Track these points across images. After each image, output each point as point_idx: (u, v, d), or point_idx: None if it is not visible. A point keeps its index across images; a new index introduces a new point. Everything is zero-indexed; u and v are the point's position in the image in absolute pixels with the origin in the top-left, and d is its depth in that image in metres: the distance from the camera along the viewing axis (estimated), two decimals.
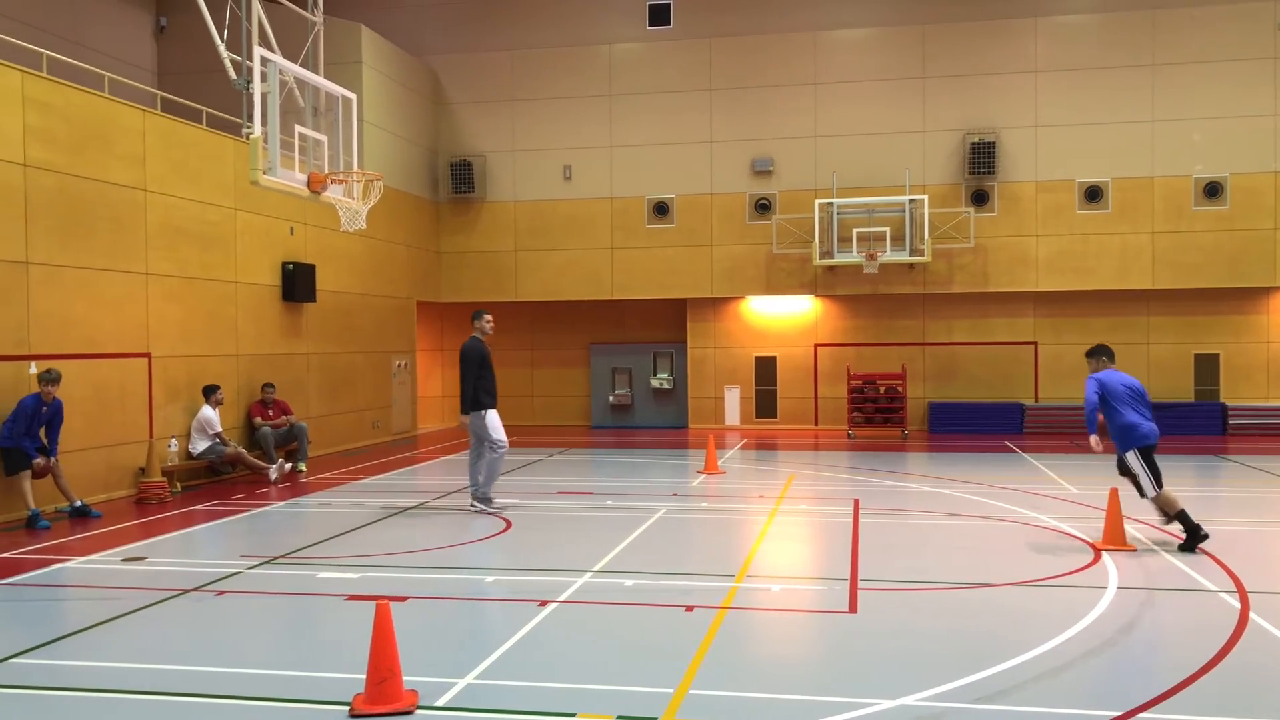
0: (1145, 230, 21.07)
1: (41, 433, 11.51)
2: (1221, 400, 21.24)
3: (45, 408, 11.44)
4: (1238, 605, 7.37)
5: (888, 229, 21.19)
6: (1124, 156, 21.08)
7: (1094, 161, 21.19)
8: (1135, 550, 9.28)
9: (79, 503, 11.73)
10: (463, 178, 23.05)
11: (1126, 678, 5.87)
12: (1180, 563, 8.79)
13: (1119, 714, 5.24)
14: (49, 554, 9.72)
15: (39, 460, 11.39)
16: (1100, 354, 10.04)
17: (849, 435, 21.13)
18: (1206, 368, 21.51)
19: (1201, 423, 20.71)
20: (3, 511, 11.46)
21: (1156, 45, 20.88)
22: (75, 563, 9.34)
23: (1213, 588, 7.93)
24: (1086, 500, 12.16)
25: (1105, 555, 9.11)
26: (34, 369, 11.93)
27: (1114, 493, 9.73)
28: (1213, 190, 20.78)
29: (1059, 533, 10.26)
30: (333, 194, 12.51)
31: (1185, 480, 14.70)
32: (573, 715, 5.33)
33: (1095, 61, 21.10)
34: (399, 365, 21.53)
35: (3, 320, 11.60)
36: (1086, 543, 9.66)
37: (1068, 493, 12.94)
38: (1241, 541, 9.80)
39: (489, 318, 11.86)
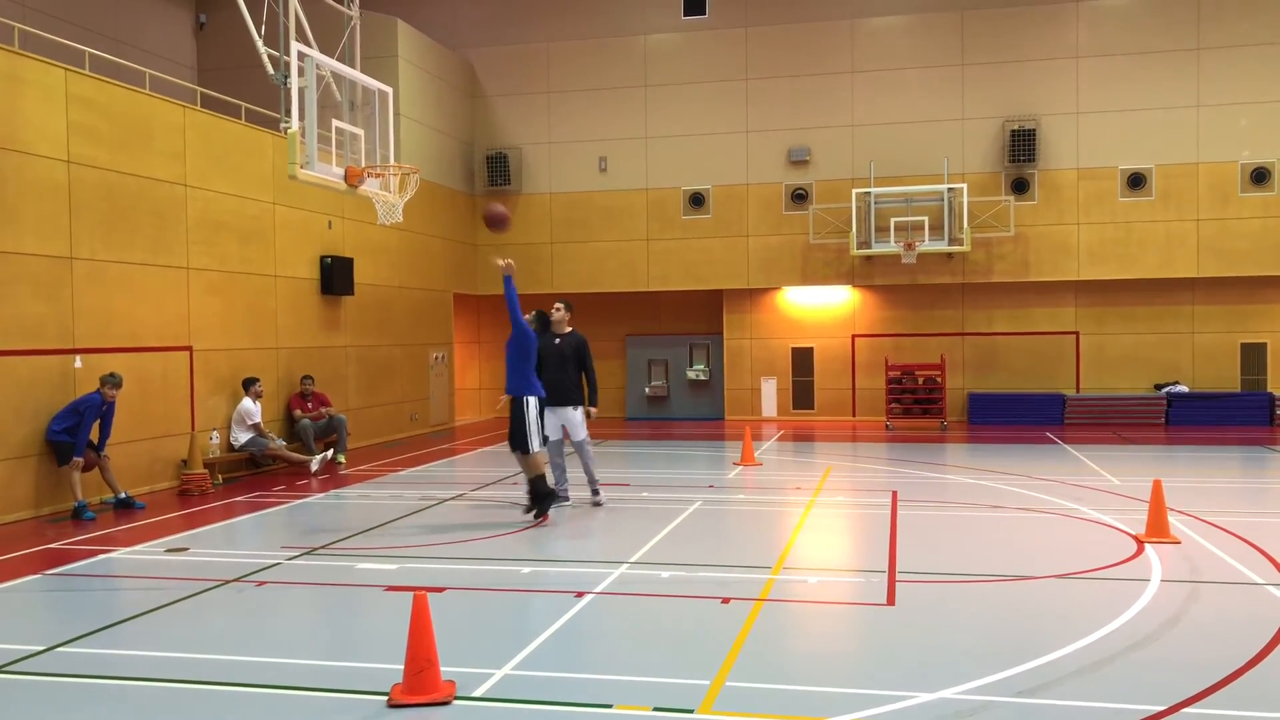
0: (1190, 217, 20.71)
1: (94, 428, 11.72)
2: (1269, 390, 20.84)
3: (104, 406, 11.66)
4: None
5: (926, 218, 20.99)
6: (1168, 143, 20.71)
7: (1137, 148, 20.85)
8: (1179, 542, 9.14)
9: (123, 494, 11.91)
10: (499, 170, 23.11)
11: (1170, 672, 5.78)
12: (1226, 555, 8.64)
13: (1162, 709, 5.17)
14: (95, 544, 9.88)
15: (89, 454, 11.59)
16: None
17: (887, 426, 20.98)
18: (1253, 357, 21.12)
19: (1248, 413, 20.34)
20: (50, 503, 11.68)
21: (1201, 29, 20.49)
22: (120, 553, 9.49)
23: (1259, 580, 7.79)
24: (1129, 492, 12.00)
25: (1148, 547, 8.98)
26: (79, 363, 12.13)
27: (1157, 484, 9.59)
28: (1260, 176, 20.38)
29: (1101, 525, 10.12)
30: (370, 188, 12.59)
31: (1231, 470, 14.47)
32: (609, 706, 5.34)
33: (1138, 46, 20.75)
34: (436, 358, 21.66)
35: (48, 314, 11.80)
36: (1129, 535, 9.52)
37: (1110, 484, 12.77)
38: None
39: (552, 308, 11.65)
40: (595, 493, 11.66)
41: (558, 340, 11.46)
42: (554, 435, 11.38)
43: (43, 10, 17.13)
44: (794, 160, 22.15)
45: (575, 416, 11.43)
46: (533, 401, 10.45)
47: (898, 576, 8.07)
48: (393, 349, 19.72)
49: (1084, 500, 11.55)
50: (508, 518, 10.95)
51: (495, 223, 10.86)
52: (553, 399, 11.17)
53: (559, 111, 23.14)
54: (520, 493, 11.81)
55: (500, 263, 10.58)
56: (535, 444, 10.37)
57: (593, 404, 11.66)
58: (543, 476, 10.55)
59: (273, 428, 15.36)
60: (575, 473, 12.24)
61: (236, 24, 12.16)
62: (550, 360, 11.26)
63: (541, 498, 10.48)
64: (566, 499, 11.65)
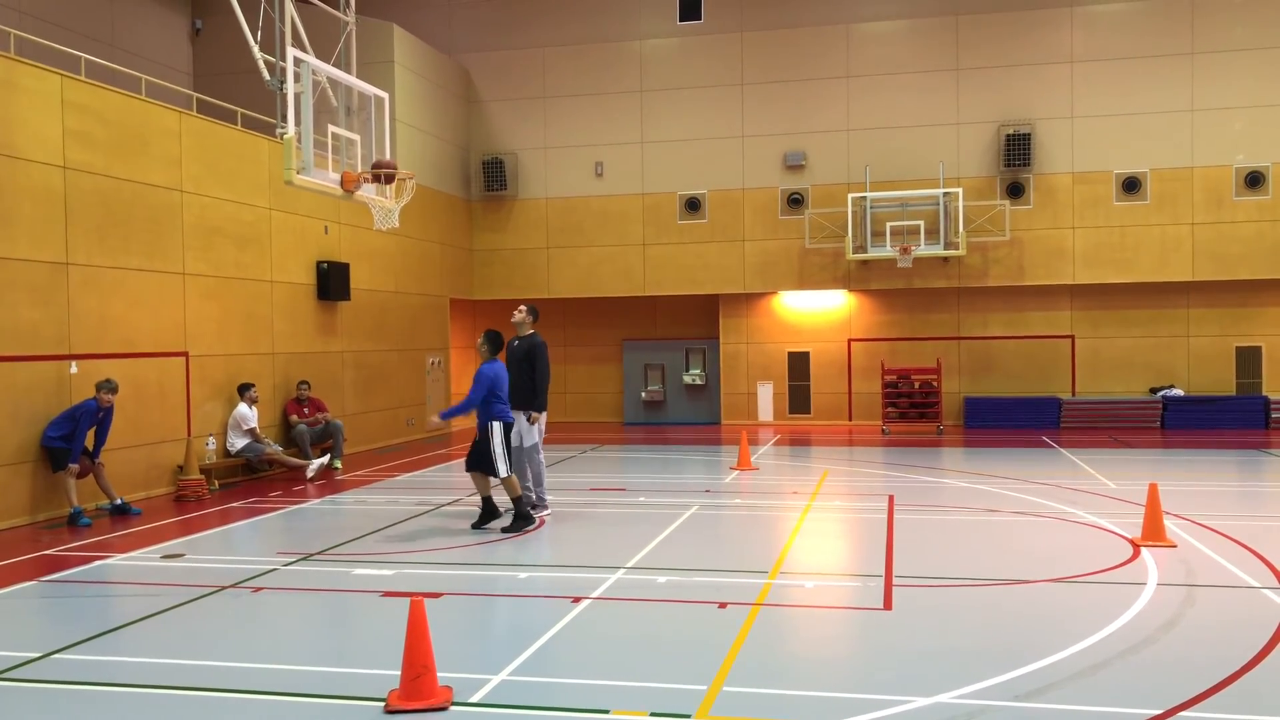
0: (1185, 221, 20.76)
1: (90, 434, 11.70)
2: (1264, 394, 20.88)
3: (101, 413, 11.64)
4: None
5: (921, 222, 21.03)
6: (1162, 147, 20.77)
7: (1132, 152, 20.90)
8: (1175, 546, 9.15)
9: (119, 500, 11.89)
10: (495, 175, 23.12)
11: (1166, 676, 5.79)
12: (1221, 559, 8.66)
13: (1159, 713, 5.17)
14: (91, 551, 9.86)
15: (85, 460, 11.56)
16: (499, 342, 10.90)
17: (883, 430, 20.99)
18: (1249, 360, 21.17)
19: (1243, 416, 20.37)
20: (46, 509, 11.65)
21: (1195, 33, 20.55)
22: (116, 559, 9.47)
23: (1255, 584, 7.80)
24: (1125, 495, 12.01)
25: (1145, 551, 8.99)
26: (74, 369, 12.11)
27: (1153, 488, 9.61)
28: (1254, 180, 20.44)
29: (1097, 528, 10.14)
30: (366, 193, 12.59)
31: (1227, 474, 14.49)
32: (606, 712, 5.33)
33: (1132, 50, 20.80)
34: (433, 363, 21.65)
35: (44, 320, 11.79)
36: (1125, 538, 9.54)
37: (1106, 488, 12.78)
38: None
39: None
40: (537, 503, 11.16)
41: (515, 343, 11.31)
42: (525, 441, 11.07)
43: (38, 16, 17.13)
44: (790, 165, 22.18)
45: (521, 422, 10.99)
46: (496, 427, 10.39)
47: (894, 581, 8.07)
48: (389, 354, 19.70)
49: (1080, 504, 11.56)
50: (504, 524, 10.93)
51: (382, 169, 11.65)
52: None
53: (555, 116, 23.16)
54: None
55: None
56: (502, 469, 10.32)
57: (534, 409, 11.00)
58: (520, 498, 10.50)
59: (269, 433, 15.35)
60: (576, 477, 12.19)
61: (232, 29, 12.15)
62: (510, 363, 11.14)
63: (519, 518, 10.43)
64: (545, 505, 11.28)
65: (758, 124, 22.31)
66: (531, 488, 11.16)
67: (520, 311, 11.47)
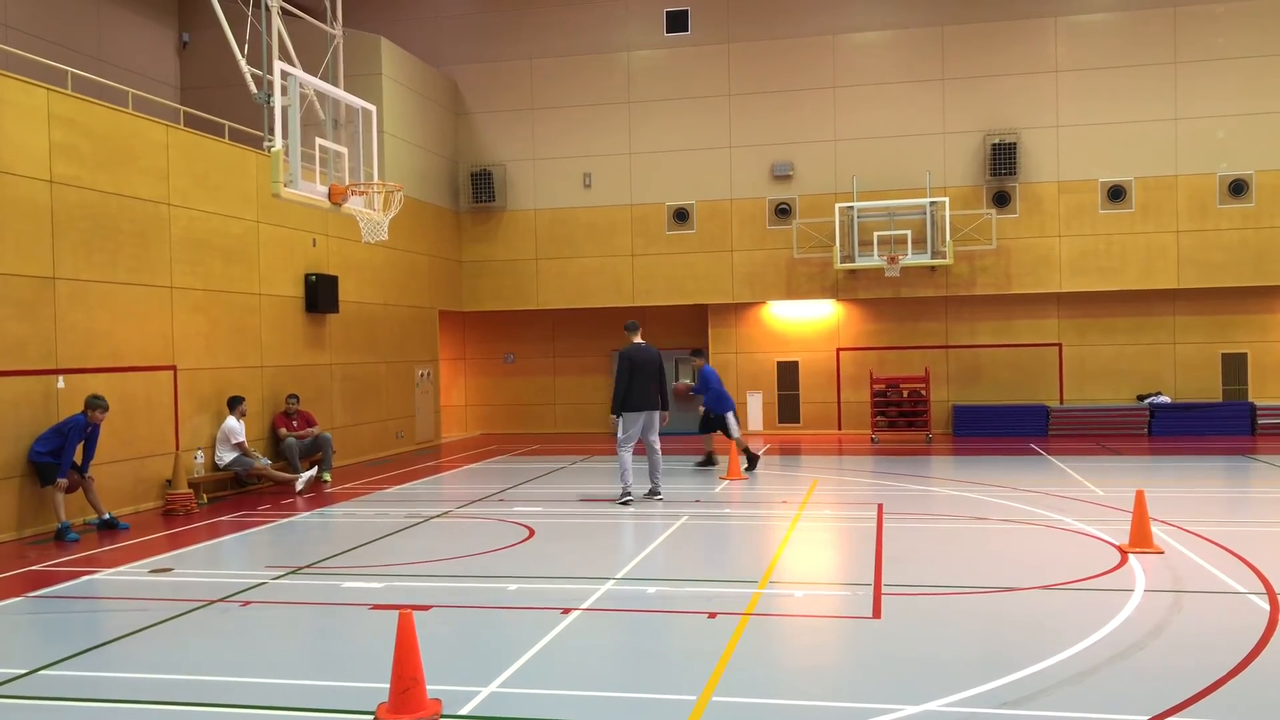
0: (1170, 229, 20.89)
1: (79, 449, 11.65)
2: (1250, 400, 21.01)
3: (89, 428, 11.60)
4: (1267, 607, 7.29)
5: (909, 232, 21.11)
6: (1147, 155, 20.91)
7: (1117, 161, 21.03)
8: (1162, 552, 9.19)
9: (107, 515, 11.84)
10: (483, 187, 23.14)
11: (1154, 682, 5.82)
12: (1208, 565, 8.70)
13: (1146, 719, 5.20)
14: (78, 566, 9.82)
15: (73, 475, 11.51)
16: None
17: (872, 439, 21.03)
18: (1234, 367, 21.29)
19: (1229, 423, 20.48)
20: (33, 524, 11.60)
21: (1178, 43, 20.71)
22: (104, 574, 9.43)
23: (1241, 590, 7.84)
24: (1112, 503, 12.06)
25: (1132, 558, 9.03)
26: (61, 383, 12.07)
27: (1140, 495, 9.65)
28: (1238, 188, 20.58)
29: (1085, 535, 10.18)
30: (354, 206, 12.59)
31: (1213, 480, 14.56)
32: None
33: (1116, 60, 20.96)
34: (422, 375, 21.63)
35: (31, 335, 11.75)
36: (1113, 545, 9.58)
37: (1093, 495, 12.83)
38: (1271, 543, 9.69)
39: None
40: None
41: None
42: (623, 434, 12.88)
43: (24, 29, 17.11)
44: (777, 175, 22.25)
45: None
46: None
47: (883, 589, 8.09)
48: (378, 366, 19.68)
49: (1068, 511, 11.61)
50: (494, 535, 10.94)
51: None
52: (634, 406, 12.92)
53: (543, 128, 23.21)
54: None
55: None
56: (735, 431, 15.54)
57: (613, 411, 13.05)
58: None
59: (257, 446, 15.30)
60: (566, 488, 12.20)
61: (220, 43, 12.16)
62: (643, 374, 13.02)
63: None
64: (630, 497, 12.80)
65: (745, 135, 22.38)
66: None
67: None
